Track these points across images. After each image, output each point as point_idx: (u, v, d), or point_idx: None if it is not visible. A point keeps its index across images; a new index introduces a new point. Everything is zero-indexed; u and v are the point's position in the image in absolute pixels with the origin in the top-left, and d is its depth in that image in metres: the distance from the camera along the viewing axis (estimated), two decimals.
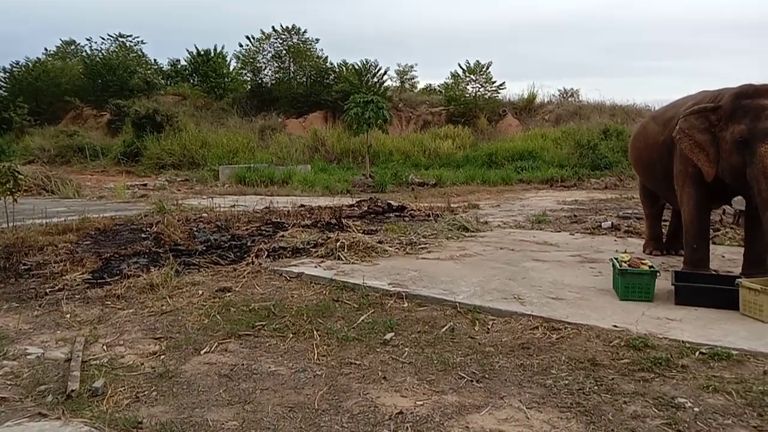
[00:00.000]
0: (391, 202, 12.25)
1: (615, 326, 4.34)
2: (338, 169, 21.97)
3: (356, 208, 11.75)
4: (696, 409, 3.12)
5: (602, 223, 9.57)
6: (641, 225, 8.92)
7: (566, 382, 3.50)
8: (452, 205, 12.14)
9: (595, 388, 3.41)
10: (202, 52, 35.35)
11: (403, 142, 25.30)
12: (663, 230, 7.51)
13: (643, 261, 5.31)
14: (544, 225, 9.78)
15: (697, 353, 3.84)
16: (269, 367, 3.83)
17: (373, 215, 10.95)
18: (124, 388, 3.50)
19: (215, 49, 35.60)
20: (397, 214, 11.14)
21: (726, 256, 6.83)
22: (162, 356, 4.05)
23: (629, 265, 5.17)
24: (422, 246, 7.67)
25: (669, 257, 6.98)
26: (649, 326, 4.34)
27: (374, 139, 22.55)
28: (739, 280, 4.80)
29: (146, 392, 3.46)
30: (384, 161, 22.76)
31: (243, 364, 3.88)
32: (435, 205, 12.05)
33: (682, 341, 4.02)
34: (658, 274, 5.12)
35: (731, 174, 5.28)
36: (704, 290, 4.91)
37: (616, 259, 5.38)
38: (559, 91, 33.44)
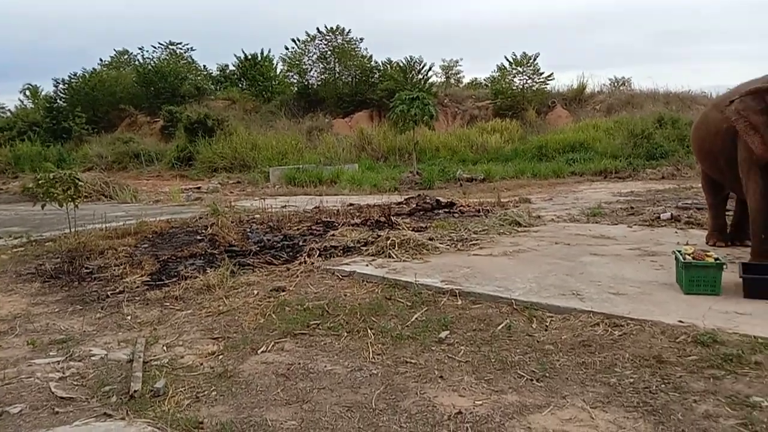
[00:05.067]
0: (440, 199, 12.14)
1: (680, 321, 4.17)
2: (385, 167, 21.93)
3: (405, 206, 11.70)
4: None
5: (661, 215, 9.23)
6: (702, 215, 8.58)
7: (631, 380, 3.37)
8: (502, 200, 11.96)
9: (663, 386, 3.28)
10: (250, 57, 35.94)
11: (450, 138, 25.10)
12: (727, 220, 7.19)
13: (707, 253, 5.09)
14: (599, 218, 9.51)
15: None
16: (325, 366, 3.83)
17: (422, 212, 10.88)
18: (184, 388, 3.56)
19: (262, 53, 36.19)
20: (446, 210, 11.02)
21: None
22: (220, 356, 4.10)
23: (693, 258, 4.96)
24: (474, 242, 7.57)
25: (734, 248, 6.68)
26: (717, 321, 4.15)
27: (420, 136, 22.43)
28: None
29: (206, 392, 3.51)
30: (431, 158, 22.62)
31: (299, 364, 3.90)
32: (485, 201, 11.88)
33: (754, 336, 3.83)
34: (724, 266, 4.89)
35: None
36: None
37: (679, 251, 5.17)
38: (609, 80, 32.72)
